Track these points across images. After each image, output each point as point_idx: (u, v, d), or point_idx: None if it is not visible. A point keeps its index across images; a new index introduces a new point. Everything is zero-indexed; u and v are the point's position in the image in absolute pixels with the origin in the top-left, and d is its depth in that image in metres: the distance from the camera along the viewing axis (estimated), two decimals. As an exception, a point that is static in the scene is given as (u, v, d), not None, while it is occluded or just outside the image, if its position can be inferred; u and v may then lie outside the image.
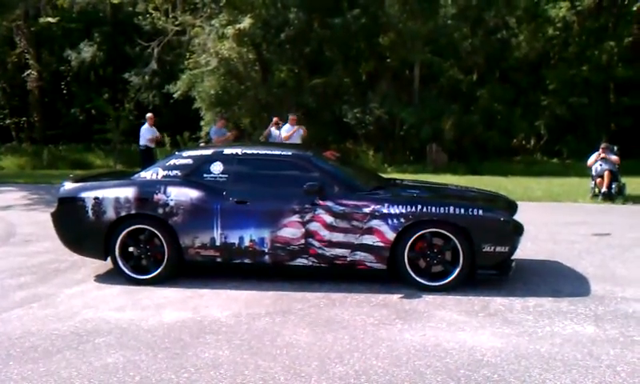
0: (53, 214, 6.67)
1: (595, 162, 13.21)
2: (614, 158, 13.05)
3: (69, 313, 5.45)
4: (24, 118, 32.59)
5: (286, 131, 14.30)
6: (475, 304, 5.58)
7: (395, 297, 5.79)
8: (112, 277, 6.56)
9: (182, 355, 4.43)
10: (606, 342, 4.62)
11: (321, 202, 6.03)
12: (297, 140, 14.16)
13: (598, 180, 13.00)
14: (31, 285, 6.42)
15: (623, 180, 13.22)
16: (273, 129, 15.03)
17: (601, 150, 13.24)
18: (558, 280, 6.40)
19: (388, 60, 24.80)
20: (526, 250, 7.60)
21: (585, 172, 14.22)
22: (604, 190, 12.73)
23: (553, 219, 10.38)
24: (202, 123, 25.26)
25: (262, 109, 24.25)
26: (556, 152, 24.64)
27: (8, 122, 32.38)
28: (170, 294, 5.96)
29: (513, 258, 6.27)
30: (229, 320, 5.20)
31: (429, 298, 5.76)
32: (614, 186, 12.76)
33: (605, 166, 12.94)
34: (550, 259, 7.39)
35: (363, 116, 23.32)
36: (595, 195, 13.05)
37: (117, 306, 5.65)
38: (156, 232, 6.28)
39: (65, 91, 32.72)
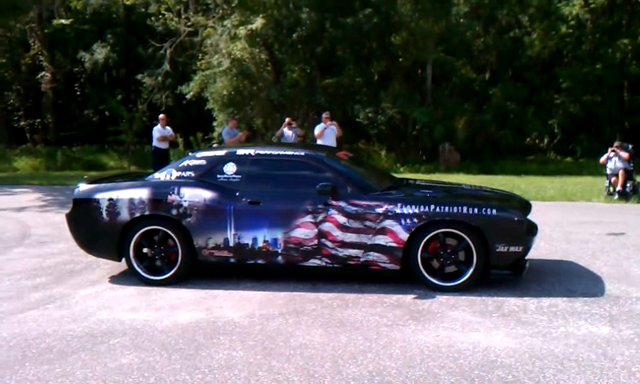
0: (67, 215, 6.72)
1: (607, 159, 13.16)
2: (624, 154, 12.96)
3: (84, 314, 5.49)
4: (38, 120, 32.90)
5: (318, 129, 14.33)
6: (489, 304, 5.56)
7: (408, 297, 5.78)
8: (126, 278, 6.61)
9: (195, 356, 4.45)
10: (620, 342, 4.59)
11: (334, 202, 6.03)
12: (331, 137, 14.17)
13: (613, 179, 12.95)
14: (46, 286, 6.48)
15: (638, 178, 13.13)
16: (285, 129, 15.04)
17: (612, 149, 13.16)
18: (572, 280, 6.37)
19: (400, 59, 24.77)
20: (540, 249, 7.57)
21: (599, 171, 14.16)
22: (619, 188, 12.67)
23: (566, 218, 10.32)
24: (215, 124, 25.36)
25: (274, 109, 24.30)
26: (569, 151, 24.52)
27: (22, 123, 32.70)
28: (184, 295, 5.99)
29: (527, 257, 6.25)
30: (242, 321, 5.21)
31: (442, 298, 5.75)
32: (628, 184, 12.70)
33: (619, 165, 12.87)
34: (564, 259, 7.35)
35: (375, 116, 23.30)
36: (610, 194, 12.98)
37: (131, 306, 5.69)
38: (170, 233, 6.31)
39: (78, 93, 32.99)
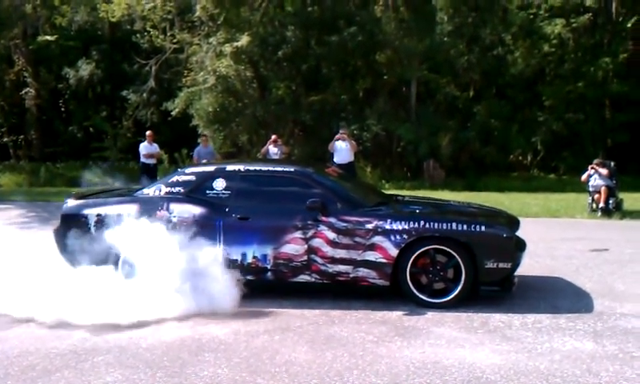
0: (55, 231, 6.66)
1: (588, 177, 13.28)
2: (604, 171, 13.07)
3: (67, 331, 5.43)
4: (22, 136, 32.57)
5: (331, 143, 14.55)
6: (474, 320, 5.58)
7: (394, 314, 5.79)
8: (111, 295, 6.53)
9: (180, 373, 4.42)
10: (605, 358, 4.63)
11: (323, 218, 6.04)
12: (344, 152, 14.23)
13: (596, 196, 13.06)
14: (30, 303, 6.39)
15: (620, 195, 13.26)
16: (271, 146, 15.07)
17: (592, 166, 13.28)
18: (556, 296, 6.42)
19: (385, 77, 24.88)
20: (524, 265, 7.57)
21: (582, 188, 14.27)
22: (601, 205, 12.78)
23: (550, 235, 10.40)
24: (200, 141, 25.27)
25: (259, 126, 24.29)
26: (553, 168, 24.70)
27: (6, 139, 32.35)
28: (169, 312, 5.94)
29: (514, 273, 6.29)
30: (227, 338, 5.19)
31: (428, 314, 5.77)
32: (611, 201, 12.80)
33: (600, 182, 12.99)
34: (549, 275, 7.41)
35: (360, 133, 23.35)
36: (593, 211, 13.09)
37: (115, 324, 5.63)
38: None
39: (63, 109, 32.76)
